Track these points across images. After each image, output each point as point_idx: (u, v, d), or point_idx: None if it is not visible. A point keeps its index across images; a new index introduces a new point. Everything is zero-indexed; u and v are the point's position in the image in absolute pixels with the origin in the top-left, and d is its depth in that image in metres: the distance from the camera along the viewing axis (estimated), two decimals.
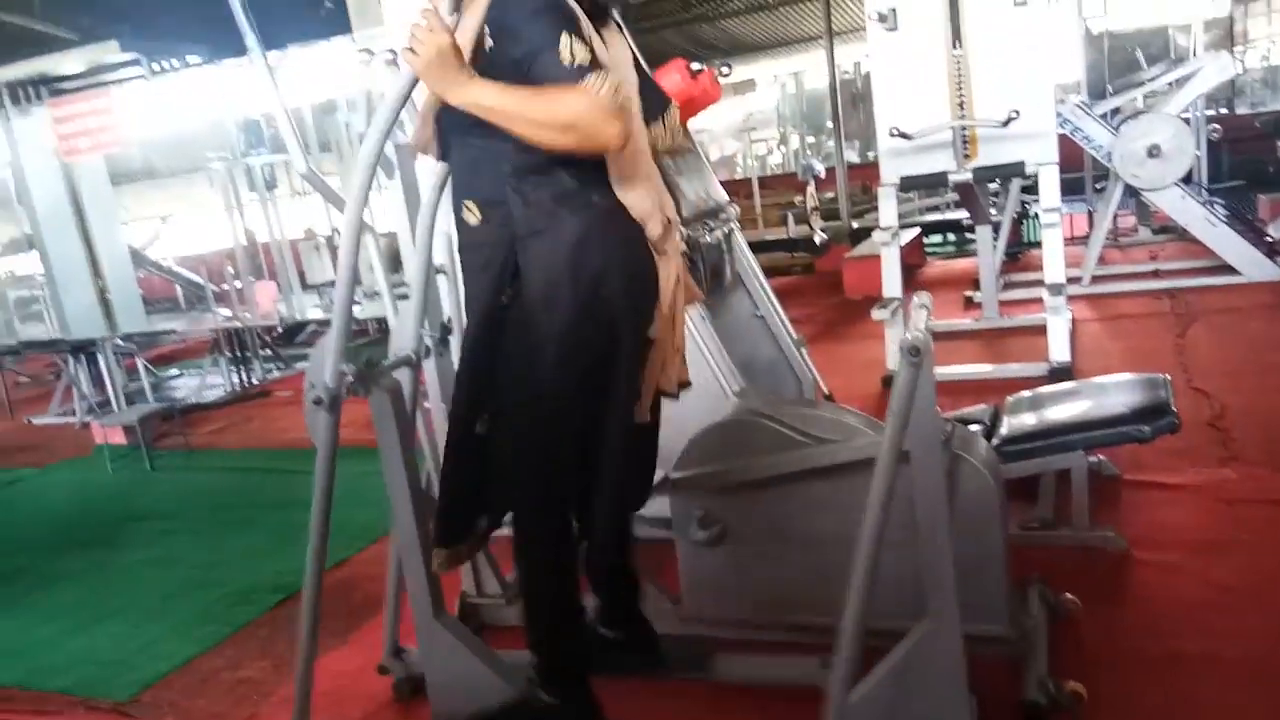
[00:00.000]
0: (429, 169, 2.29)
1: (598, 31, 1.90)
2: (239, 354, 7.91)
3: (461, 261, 2.06)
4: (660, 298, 1.99)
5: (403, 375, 2.34)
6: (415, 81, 1.82)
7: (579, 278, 1.86)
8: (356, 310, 6.93)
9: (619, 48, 2.01)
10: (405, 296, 2.81)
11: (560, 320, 1.88)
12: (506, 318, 1.95)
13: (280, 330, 8.46)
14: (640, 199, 1.94)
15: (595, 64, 1.72)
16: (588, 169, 1.87)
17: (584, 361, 1.93)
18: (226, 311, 7.59)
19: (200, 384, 7.82)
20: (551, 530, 2.10)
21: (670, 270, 2.00)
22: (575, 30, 1.75)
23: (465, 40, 1.83)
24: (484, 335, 1.98)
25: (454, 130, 1.95)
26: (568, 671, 2.18)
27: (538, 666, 2.19)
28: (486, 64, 1.81)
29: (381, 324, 5.87)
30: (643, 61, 3.38)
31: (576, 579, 2.20)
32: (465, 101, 1.78)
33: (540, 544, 2.12)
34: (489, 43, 1.80)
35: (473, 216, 1.96)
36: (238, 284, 7.51)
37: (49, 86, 6.94)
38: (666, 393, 2.09)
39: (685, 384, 2.14)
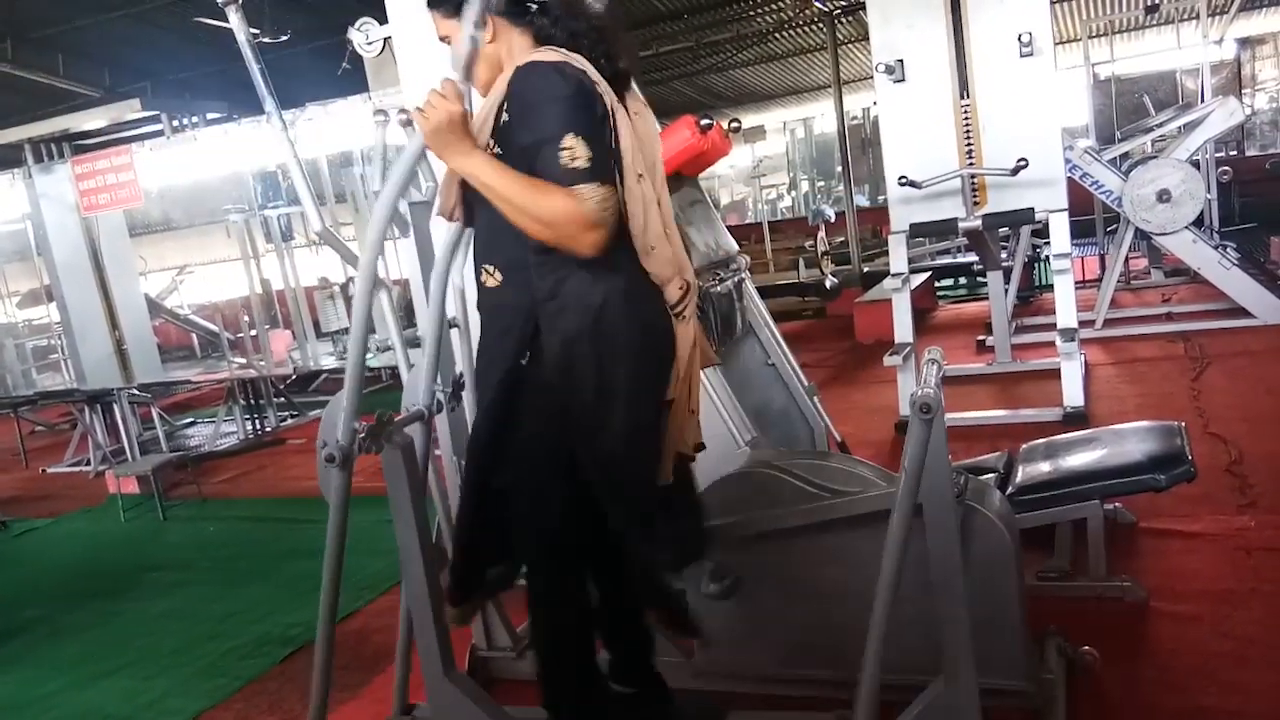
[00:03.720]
0: (445, 225, 2.32)
1: (621, 100, 1.92)
2: (253, 402, 7.95)
3: (482, 323, 2.06)
4: (677, 362, 1.99)
5: (416, 429, 2.35)
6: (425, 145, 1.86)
7: (598, 343, 1.87)
8: (369, 361, 6.98)
9: (644, 115, 2.03)
10: (418, 346, 2.83)
11: (578, 385, 1.88)
12: (524, 378, 1.95)
13: (294, 378, 8.52)
14: (661, 265, 1.95)
15: (593, 170, 1.75)
16: (613, 235, 1.87)
17: (599, 418, 1.91)
18: (241, 359, 7.65)
19: (214, 432, 7.86)
20: (565, 587, 2.09)
21: (688, 334, 2.00)
22: (583, 127, 1.77)
23: (487, 109, 1.88)
24: (502, 395, 1.98)
25: (478, 196, 1.98)
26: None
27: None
28: (500, 138, 1.85)
29: (394, 371, 5.91)
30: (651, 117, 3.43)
31: (592, 636, 2.19)
32: (463, 170, 1.85)
33: (554, 602, 2.11)
34: (504, 117, 1.84)
35: (492, 279, 1.97)
36: (253, 332, 7.58)
37: (71, 143, 7.09)
38: (683, 455, 2.08)
39: (700, 446, 2.13)
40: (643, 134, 1.96)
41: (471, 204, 2.02)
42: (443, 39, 2.04)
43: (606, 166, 1.80)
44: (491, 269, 1.97)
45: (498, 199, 1.81)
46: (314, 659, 2.20)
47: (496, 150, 1.86)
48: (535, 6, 1.91)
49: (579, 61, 1.85)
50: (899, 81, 4.99)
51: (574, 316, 1.87)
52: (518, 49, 1.91)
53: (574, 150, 1.74)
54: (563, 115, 1.77)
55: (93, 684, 3.45)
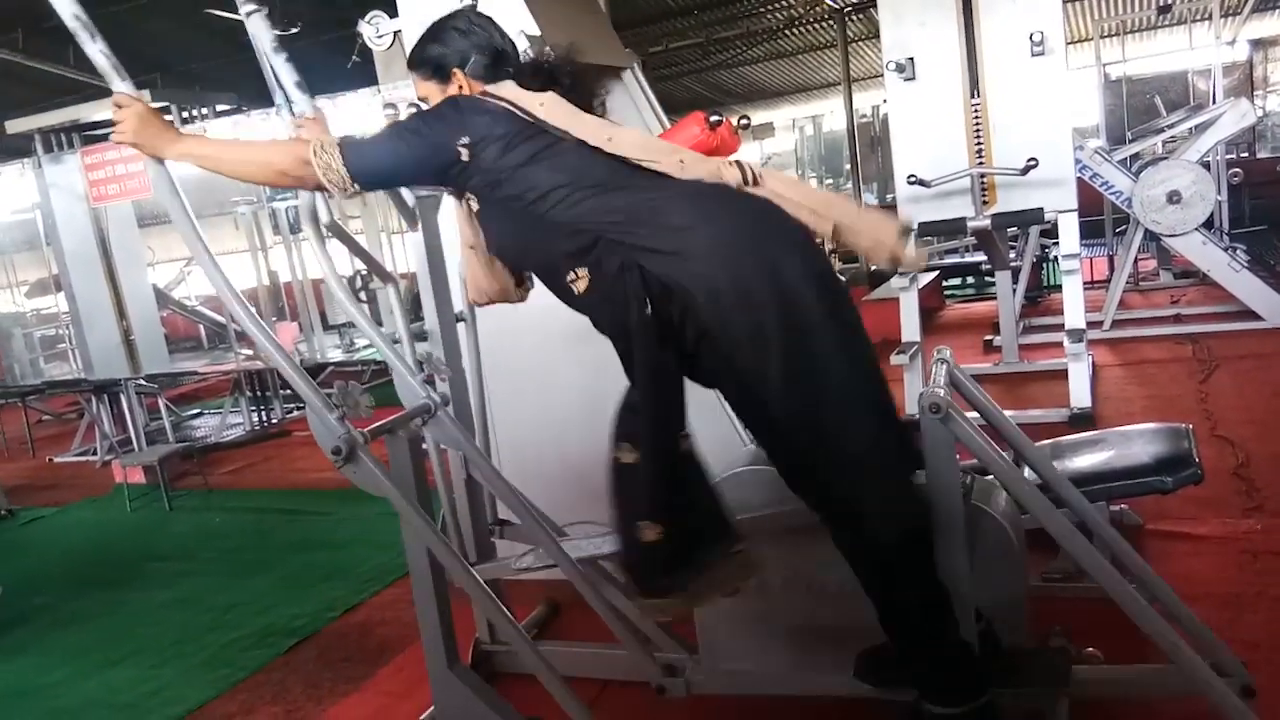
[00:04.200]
0: (453, 220, 2.31)
1: (571, 96, 2.00)
2: (259, 393, 7.97)
3: (598, 321, 1.98)
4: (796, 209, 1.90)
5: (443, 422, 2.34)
6: None
7: (762, 238, 1.82)
8: (371, 353, 6.99)
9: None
10: (424, 338, 2.84)
11: (754, 315, 1.78)
12: (665, 332, 1.83)
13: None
14: (699, 168, 1.94)
15: (348, 143, 1.94)
16: (652, 184, 1.90)
17: (818, 325, 1.81)
18: (248, 351, 7.66)
19: (221, 423, 7.88)
20: (909, 538, 1.92)
21: (774, 182, 1.94)
22: (415, 127, 1.98)
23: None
24: (655, 357, 1.85)
25: (523, 240, 2.01)
26: (968, 674, 1.98)
27: (928, 684, 2.00)
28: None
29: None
30: (659, 112, 3.44)
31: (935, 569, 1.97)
32: (179, 154, 1.97)
33: (903, 560, 1.93)
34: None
35: (583, 281, 1.91)
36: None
37: (81, 134, 7.10)
38: (883, 271, 2.01)
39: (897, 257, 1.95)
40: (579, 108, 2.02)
41: (521, 249, 2.06)
42: (421, 99, 2.15)
43: (377, 150, 1.96)
44: (581, 273, 1.91)
45: (227, 163, 1.99)
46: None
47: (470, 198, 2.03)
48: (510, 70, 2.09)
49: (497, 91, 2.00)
50: (909, 80, 4.98)
51: (711, 240, 1.81)
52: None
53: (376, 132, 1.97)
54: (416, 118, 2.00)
55: (98, 672, 3.47)
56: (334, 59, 5.81)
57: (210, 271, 2.02)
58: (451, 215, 2.32)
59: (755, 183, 1.93)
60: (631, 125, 2.68)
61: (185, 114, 6.87)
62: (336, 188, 1.93)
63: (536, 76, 2.05)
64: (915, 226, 4.93)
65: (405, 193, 2.71)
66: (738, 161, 1.97)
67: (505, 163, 1.91)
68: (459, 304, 2.90)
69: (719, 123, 3.27)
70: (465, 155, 1.93)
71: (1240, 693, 2.03)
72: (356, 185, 1.94)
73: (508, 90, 2.00)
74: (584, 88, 2.10)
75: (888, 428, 1.89)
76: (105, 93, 2.01)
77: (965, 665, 1.98)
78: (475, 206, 2.02)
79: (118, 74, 1.94)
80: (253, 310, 2.10)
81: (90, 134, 7.04)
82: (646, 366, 1.85)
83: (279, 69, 2.30)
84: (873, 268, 9.58)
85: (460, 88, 2.06)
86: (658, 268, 1.81)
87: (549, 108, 1.96)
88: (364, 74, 4.31)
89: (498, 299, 2.22)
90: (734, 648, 2.59)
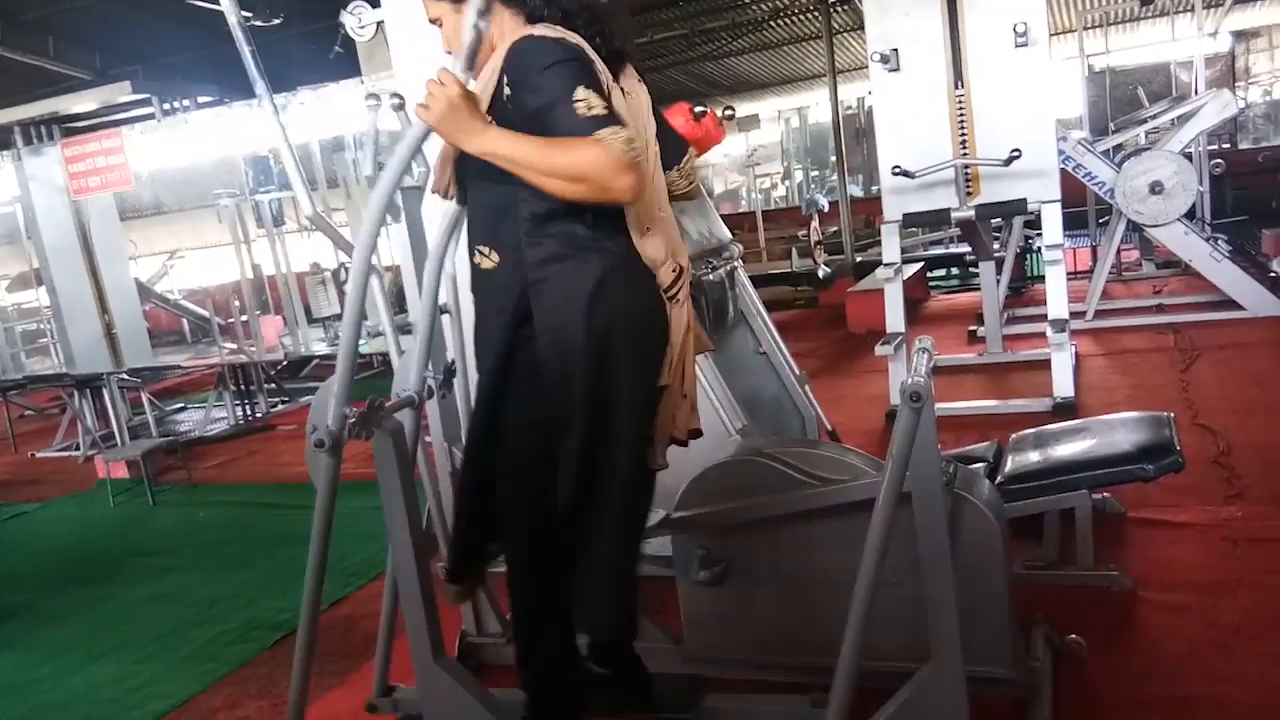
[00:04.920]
0: (438, 211, 2.31)
1: (616, 79, 1.91)
2: (244, 388, 7.93)
3: (476, 305, 2.05)
4: (670, 347, 1.98)
5: (406, 415, 2.34)
6: (427, 134, 1.83)
7: (590, 324, 1.85)
8: (360, 346, 6.95)
9: (638, 95, 2.02)
10: (409, 332, 2.83)
11: (569, 365, 1.87)
12: (517, 360, 1.94)
13: (285, 364, 8.49)
14: (655, 247, 1.95)
15: (611, 116, 1.72)
16: (603, 216, 1.87)
17: (590, 405, 1.90)
18: (232, 345, 7.61)
19: (204, 418, 7.84)
20: (546, 569, 2.07)
21: (682, 318, 1.99)
22: (592, 82, 1.76)
23: (483, 88, 1.85)
24: (496, 377, 1.98)
25: (471, 176, 1.97)
26: (559, 711, 2.17)
27: (529, 706, 2.18)
28: (503, 113, 1.82)
29: (385, 358, 5.90)
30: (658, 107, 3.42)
31: (570, 619, 2.17)
32: (481, 150, 1.78)
33: (534, 584, 2.10)
34: (506, 91, 1.81)
35: (487, 261, 1.95)
36: (244, 318, 7.54)
37: (61, 126, 7.03)
38: (677, 440, 2.08)
39: (696, 432, 2.12)
40: (635, 113, 1.95)
41: (465, 185, 2.01)
42: (433, 21, 2.02)
43: (619, 113, 1.78)
44: (487, 250, 1.95)
45: (522, 168, 1.75)
46: (296, 643, 2.19)
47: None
48: None
49: (574, 37, 1.84)
50: (894, 71, 4.99)
51: (567, 298, 1.86)
52: (509, 29, 1.89)
53: (589, 100, 1.71)
54: (571, 74, 1.75)
55: (82, 668, 3.45)
56: (315, 50, 5.77)
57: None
58: (435, 209, 2.31)
59: (672, 299, 1.98)
60: None
61: (166, 105, 6.80)
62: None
63: (552, 7, 1.89)
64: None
65: None
66: (681, 269, 2.00)
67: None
68: (444, 296, 2.88)
69: (703, 114, 3.28)
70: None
71: None
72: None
73: (581, 41, 1.86)
74: (609, 31, 1.97)
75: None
76: (85, 84, 1.96)
77: (568, 698, 2.18)
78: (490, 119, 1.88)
79: (469, 58, 1.83)
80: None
81: (70, 126, 6.98)
82: (493, 377, 1.99)
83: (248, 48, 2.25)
84: (858, 259, 9.62)
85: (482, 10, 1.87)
86: (535, 296, 1.88)
87: (618, 98, 1.89)
88: (347, 65, 4.28)
89: (440, 191, 2.13)
90: (718, 637, 2.60)
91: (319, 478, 2.05)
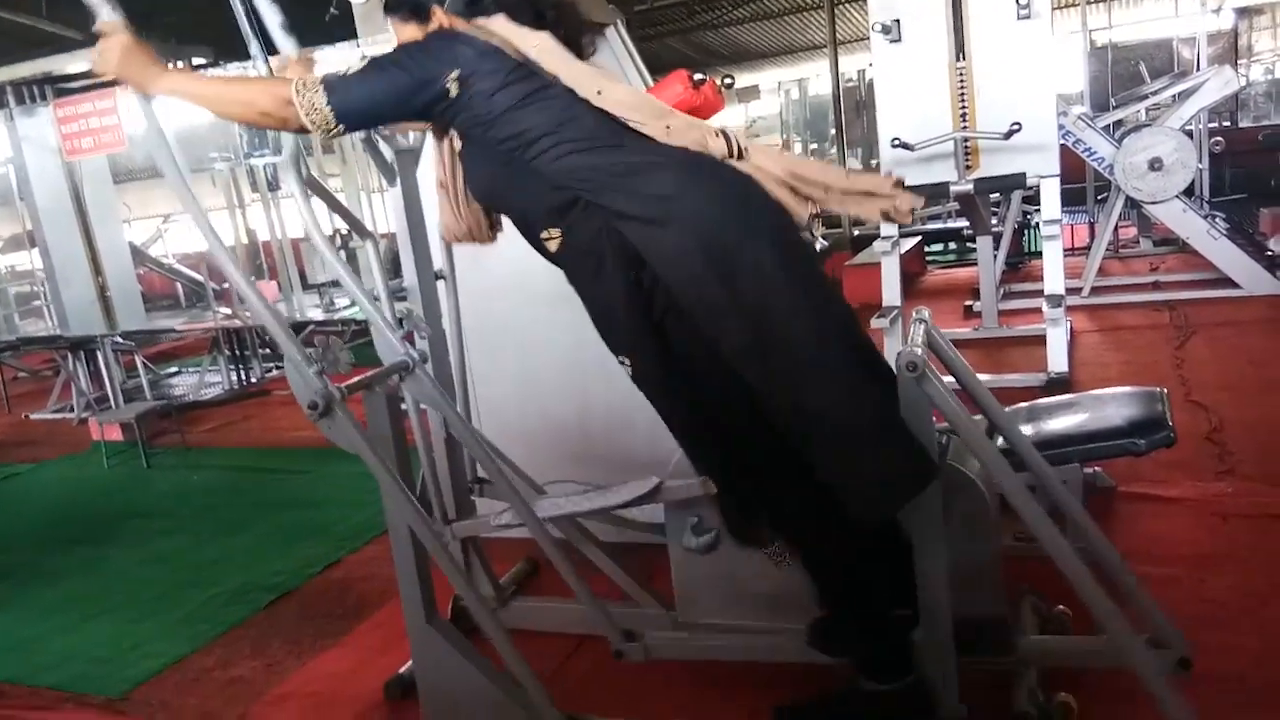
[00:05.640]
0: (429, 173, 2.29)
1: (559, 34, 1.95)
2: (238, 353, 7.91)
3: (572, 280, 1.97)
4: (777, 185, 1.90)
5: (421, 380, 2.32)
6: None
7: (742, 217, 1.80)
8: (353, 312, 6.94)
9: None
10: (403, 297, 2.82)
11: (727, 271, 1.78)
12: (650, 301, 1.84)
13: None
14: (685, 132, 1.90)
15: (328, 81, 1.86)
16: (641, 147, 1.87)
17: (805, 280, 1.83)
18: (226, 310, 7.59)
19: (199, 382, 7.83)
20: (817, 511, 1.94)
21: (759, 156, 1.91)
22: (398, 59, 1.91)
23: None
24: (640, 322, 1.87)
25: (502, 185, 1.98)
26: (896, 650, 2.04)
27: (860, 655, 2.08)
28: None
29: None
30: (643, 71, 3.40)
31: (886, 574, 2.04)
32: (167, 90, 1.93)
33: (869, 512, 1.90)
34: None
35: (555, 240, 1.92)
36: None
37: (54, 86, 6.96)
38: (886, 215, 1.96)
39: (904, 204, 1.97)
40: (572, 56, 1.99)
41: (500, 194, 2.02)
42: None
43: (362, 86, 1.87)
44: (555, 232, 1.91)
45: (206, 101, 1.92)
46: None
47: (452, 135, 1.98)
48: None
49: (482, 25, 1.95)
50: (895, 42, 4.94)
51: (697, 211, 1.79)
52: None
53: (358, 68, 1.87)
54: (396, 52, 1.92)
55: (77, 628, 3.46)
56: (312, 13, 5.70)
57: (195, 215, 1.98)
58: (429, 164, 2.29)
59: (740, 155, 1.90)
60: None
61: None
62: (319, 128, 1.86)
63: (523, 10, 1.98)
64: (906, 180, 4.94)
65: (384, 147, 2.68)
66: (724, 131, 1.93)
67: (495, 103, 1.87)
68: (438, 262, 2.87)
69: (702, 82, 3.24)
70: (454, 90, 1.87)
71: (1176, 665, 2.05)
72: (341, 125, 1.86)
73: (499, 26, 1.95)
74: (572, 24, 2.04)
75: (875, 392, 1.86)
76: (79, 44, 1.96)
77: (902, 642, 2.03)
78: (458, 145, 1.98)
79: (105, 1, 1.87)
80: (235, 258, 2.07)
81: (63, 86, 6.91)
82: (633, 332, 1.87)
83: (264, 10, 2.24)
84: (855, 232, 9.60)
85: (441, 26, 1.97)
86: (635, 235, 1.81)
87: (542, 50, 1.93)
88: (342, 28, 4.23)
89: (466, 239, 2.16)
90: (710, 603, 2.61)
91: (343, 437, 2.02)
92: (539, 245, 1.96)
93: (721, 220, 1.80)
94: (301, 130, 1.90)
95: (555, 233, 1.90)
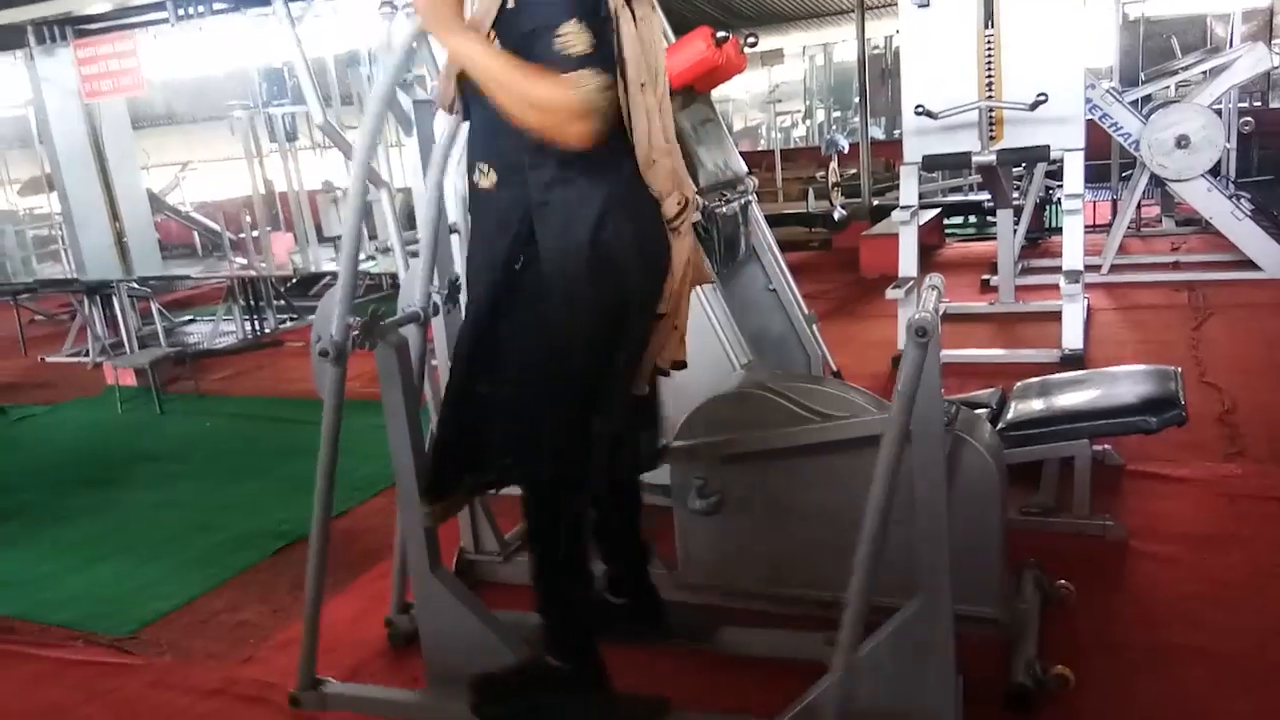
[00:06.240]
0: (442, 121, 2.28)
1: (629, 4, 1.85)
2: (253, 303, 7.94)
3: (473, 224, 2.04)
4: (671, 276, 1.98)
5: (412, 333, 2.34)
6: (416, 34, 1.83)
7: (596, 249, 1.84)
8: (370, 266, 6.95)
9: (651, 21, 1.96)
10: (417, 254, 2.81)
11: (573, 289, 1.86)
12: (517, 282, 1.93)
13: (295, 281, 8.49)
14: (661, 179, 1.92)
15: (592, 57, 1.70)
16: (613, 142, 1.83)
17: (593, 330, 1.91)
18: (242, 260, 7.61)
19: (213, 331, 7.87)
20: (564, 492, 2.07)
21: (682, 249, 1.98)
22: (586, 14, 1.72)
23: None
24: (490, 301, 1.97)
25: (473, 90, 1.93)
26: (575, 636, 2.15)
27: (545, 630, 2.17)
28: (504, 26, 1.79)
29: (395, 280, 5.90)
30: (667, 29, 3.35)
31: (585, 544, 2.18)
32: (454, 50, 1.84)
33: (550, 507, 2.10)
34: (509, 4, 1.78)
35: (486, 180, 1.93)
36: (254, 233, 7.52)
37: (74, 27, 6.93)
38: (660, 370, 2.09)
39: (680, 363, 2.12)
40: (646, 40, 1.90)
41: (468, 99, 1.97)
42: None
43: (606, 58, 1.75)
44: (486, 169, 1.93)
45: (487, 80, 1.78)
46: (309, 550, 2.25)
47: (496, 41, 1.80)
48: None
49: None
50: (924, 6, 4.87)
51: (570, 224, 1.84)
52: None
53: (570, 37, 1.69)
54: (565, 4, 1.72)
55: (88, 567, 3.51)
56: None
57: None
58: (442, 122, 2.27)
59: (677, 231, 1.96)
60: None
61: (181, 10, 6.68)
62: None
63: None
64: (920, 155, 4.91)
65: (402, 96, 2.66)
66: (686, 199, 1.96)
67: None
68: (453, 215, 2.86)
69: (725, 39, 3.21)
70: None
71: None
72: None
73: None
74: None
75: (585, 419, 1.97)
76: None
77: (582, 625, 2.14)
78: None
79: None
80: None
81: (83, 28, 6.88)
82: (485, 303, 1.97)
83: None
84: (874, 202, 9.52)
85: None
86: (540, 225, 1.86)
87: (643, 30, 1.87)
88: None
89: (446, 107, 2.08)
90: (711, 565, 2.63)
91: (324, 388, 2.06)
92: (470, 171, 1.97)
93: (606, 248, 1.85)
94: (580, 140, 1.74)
95: (491, 175, 1.91)
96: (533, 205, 1.87)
